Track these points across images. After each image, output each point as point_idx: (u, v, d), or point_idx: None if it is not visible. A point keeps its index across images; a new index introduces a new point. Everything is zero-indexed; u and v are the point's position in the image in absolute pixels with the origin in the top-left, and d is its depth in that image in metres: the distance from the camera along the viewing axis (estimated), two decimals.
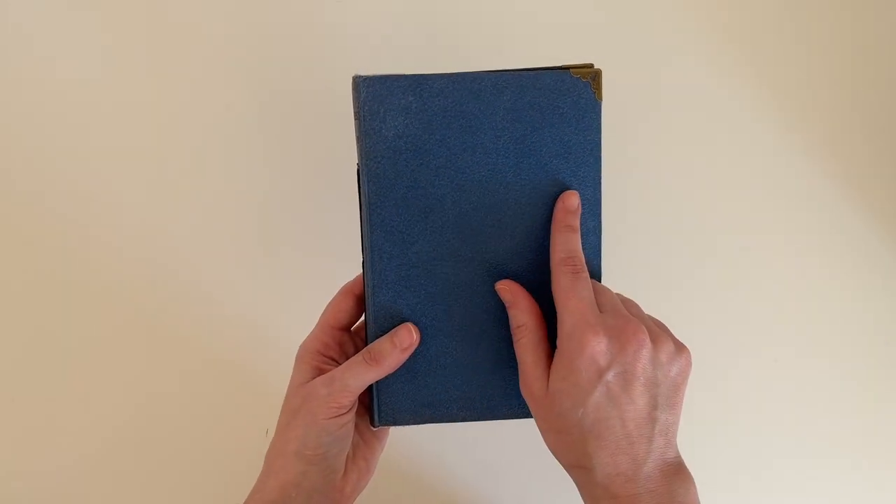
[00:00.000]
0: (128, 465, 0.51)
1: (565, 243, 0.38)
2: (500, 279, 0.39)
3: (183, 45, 0.53)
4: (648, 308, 0.52)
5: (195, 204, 0.52)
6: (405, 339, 0.38)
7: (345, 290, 0.41)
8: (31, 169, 0.51)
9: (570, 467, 0.36)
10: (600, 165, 0.39)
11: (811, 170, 0.55)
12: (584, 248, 0.39)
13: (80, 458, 0.50)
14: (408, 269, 0.39)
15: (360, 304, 0.40)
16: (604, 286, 0.39)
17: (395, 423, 0.41)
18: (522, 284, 0.39)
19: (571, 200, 0.39)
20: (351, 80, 0.38)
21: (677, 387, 0.36)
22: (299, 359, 0.40)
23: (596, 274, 0.40)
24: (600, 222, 0.40)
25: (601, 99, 0.39)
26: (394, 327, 0.39)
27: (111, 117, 0.52)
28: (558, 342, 0.35)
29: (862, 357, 0.54)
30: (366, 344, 0.39)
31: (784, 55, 0.55)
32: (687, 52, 0.55)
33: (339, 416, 0.37)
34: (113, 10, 0.52)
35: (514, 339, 0.38)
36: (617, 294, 0.39)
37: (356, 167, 0.39)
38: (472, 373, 0.40)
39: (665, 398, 0.35)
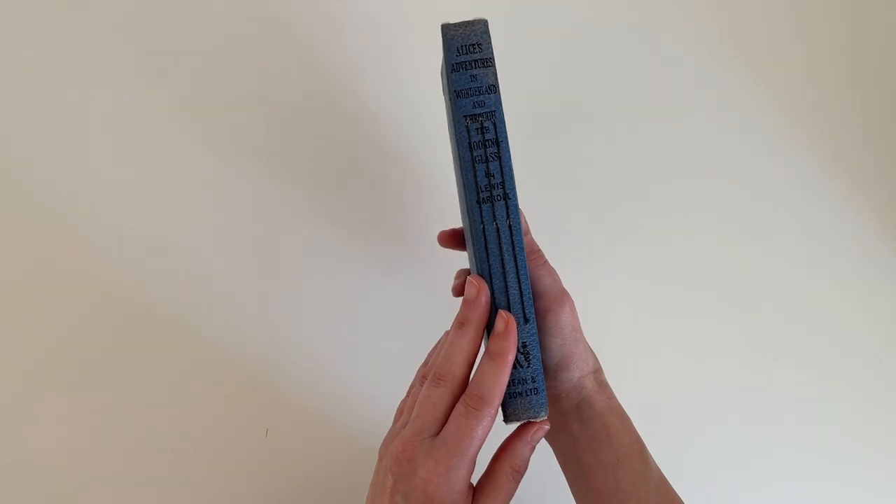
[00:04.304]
0: (126, 465, 0.50)
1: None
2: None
3: (181, 49, 0.53)
4: (648, 307, 0.54)
5: (193, 200, 0.52)
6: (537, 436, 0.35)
7: (491, 413, 0.32)
8: (31, 170, 0.51)
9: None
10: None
11: (812, 169, 0.55)
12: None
13: (78, 458, 0.50)
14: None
15: None
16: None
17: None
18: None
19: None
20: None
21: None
22: None
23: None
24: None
25: None
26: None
27: (108, 116, 0.52)
28: None
29: (861, 357, 0.53)
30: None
31: (783, 52, 0.55)
32: (688, 51, 0.55)
33: None
34: (110, 10, 0.53)
35: None
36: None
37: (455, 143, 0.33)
38: None
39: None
